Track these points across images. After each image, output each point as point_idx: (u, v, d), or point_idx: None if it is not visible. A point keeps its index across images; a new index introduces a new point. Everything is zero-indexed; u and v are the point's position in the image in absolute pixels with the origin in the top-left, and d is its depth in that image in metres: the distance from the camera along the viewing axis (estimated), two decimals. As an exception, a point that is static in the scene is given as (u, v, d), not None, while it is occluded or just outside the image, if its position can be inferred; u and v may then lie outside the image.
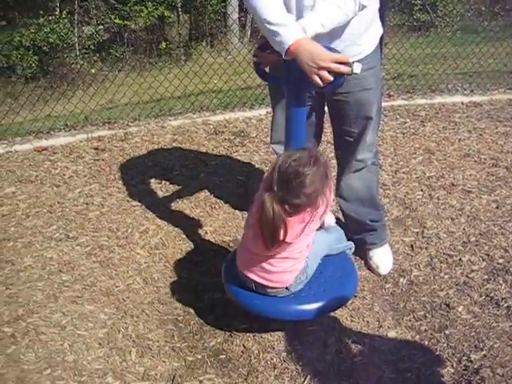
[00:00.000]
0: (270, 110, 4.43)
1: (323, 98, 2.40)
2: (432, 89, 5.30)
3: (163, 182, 3.55)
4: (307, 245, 2.08)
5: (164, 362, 2.19)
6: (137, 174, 3.66)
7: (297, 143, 2.09)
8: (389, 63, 5.78)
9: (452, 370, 2.08)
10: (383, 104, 4.69)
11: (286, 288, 2.12)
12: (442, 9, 10.95)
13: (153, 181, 3.56)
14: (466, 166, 3.64)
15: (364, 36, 2.23)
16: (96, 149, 4.12)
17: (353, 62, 2.19)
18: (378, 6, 2.25)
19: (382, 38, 2.42)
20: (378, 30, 2.34)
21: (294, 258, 2.06)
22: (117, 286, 2.60)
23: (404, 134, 4.21)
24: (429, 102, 4.91)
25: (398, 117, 4.57)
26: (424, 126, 4.35)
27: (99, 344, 2.25)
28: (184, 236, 2.98)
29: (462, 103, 4.87)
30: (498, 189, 3.34)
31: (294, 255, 2.06)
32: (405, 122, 4.44)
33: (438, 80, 5.56)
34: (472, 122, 4.42)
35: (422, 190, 3.35)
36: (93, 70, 7.79)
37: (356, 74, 2.20)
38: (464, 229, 2.95)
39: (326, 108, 2.49)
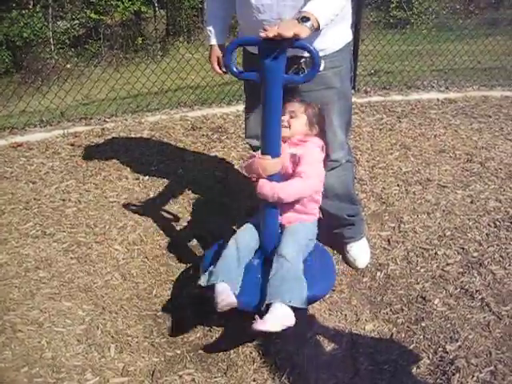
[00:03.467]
0: (247, 105, 4.44)
1: (291, 96, 2.39)
2: (408, 85, 5.37)
3: (141, 177, 3.53)
4: None
5: (143, 357, 2.18)
6: (114, 170, 3.64)
7: (273, 140, 2.09)
8: (365, 60, 5.83)
9: (428, 361, 2.11)
10: (360, 100, 4.80)
11: None
12: (417, 6, 11.07)
13: (130, 177, 3.55)
14: (441, 162, 3.69)
15: (329, 33, 2.22)
16: (72, 145, 4.08)
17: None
18: (349, 2, 2.27)
19: (355, 42, 2.45)
20: (346, 31, 2.36)
21: None
22: (95, 283, 2.59)
23: (380, 129, 4.26)
24: (405, 99, 4.98)
25: (374, 113, 4.62)
26: (400, 121, 4.41)
27: (78, 341, 2.23)
28: (162, 231, 2.97)
29: (438, 100, 4.94)
30: (472, 184, 3.40)
31: None
32: (381, 118, 4.49)
33: (414, 77, 5.64)
34: (447, 118, 4.49)
35: (398, 185, 3.40)
36: (68, 65, 7.70)
37: (319, 71, 2.23)
38: (439, 223, 3.00)
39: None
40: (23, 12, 9.40)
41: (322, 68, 2.22)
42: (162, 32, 10.75)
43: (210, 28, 2.47)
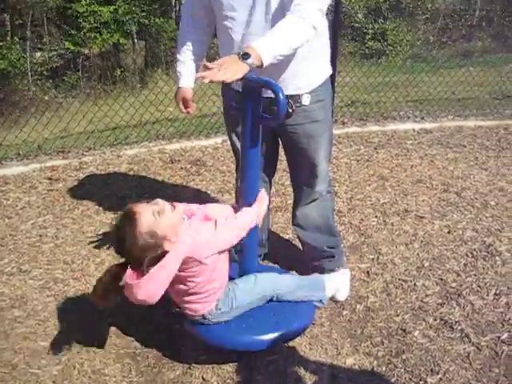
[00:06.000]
0: (225, 138, 4.47)
1: (275, 130, 2.43)
2: (384, 116, 5.46)
3: (119, 211, 3.48)
4: (208, 281, 2.07)
5: (121, 397, 2.14)
6: (92, 205, 3.61)
7: (252, 174, 2.11)
8: (342, 91, 5.92)
9: (409, 396, 2.10)
10: (338, 131, 4.85)
11: (203, 317, 2.15)
12: (392, 37, 11.30)
13: (108, 211, 3.52)
14: (418, 192, 3.74)
15: (313, 68, 2.27)
16: (50, 179, 4.05)
17: (302, 94, 2.26)
18: (327, 36, 2.33)
19: (333, 74, 2.51)
20: (327, 64, 2.40)
21: (192, 294, 2.10)
22: (72, 321, 2.54)
23: (358, 160, 4.30)
24: (381, 129, 5.05)
25: (351, 144, 4.67)
26: (377, 152, 4.46)
27: (53, 382, 2.18)
28: (141, 267, 2.93)
29: (414, 130, 5.03)
30: (449, 214, 3.44)
31: (190, 291, 2.09)
32: (359, 149, 4.54)
33: (390, 107, 5.74)
34: (423, 148, 4.56)
35: (376, 217, 3.42)
36: (46, 97, 7.68)
37: (305, 105, 2.27)
38: (418, 254, 3.02)
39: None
40: (0, 44, 9.37)
41: (308, 102, 2.27)
42: (140, 64, 10.79)
43: (180, 70, 2.51)
